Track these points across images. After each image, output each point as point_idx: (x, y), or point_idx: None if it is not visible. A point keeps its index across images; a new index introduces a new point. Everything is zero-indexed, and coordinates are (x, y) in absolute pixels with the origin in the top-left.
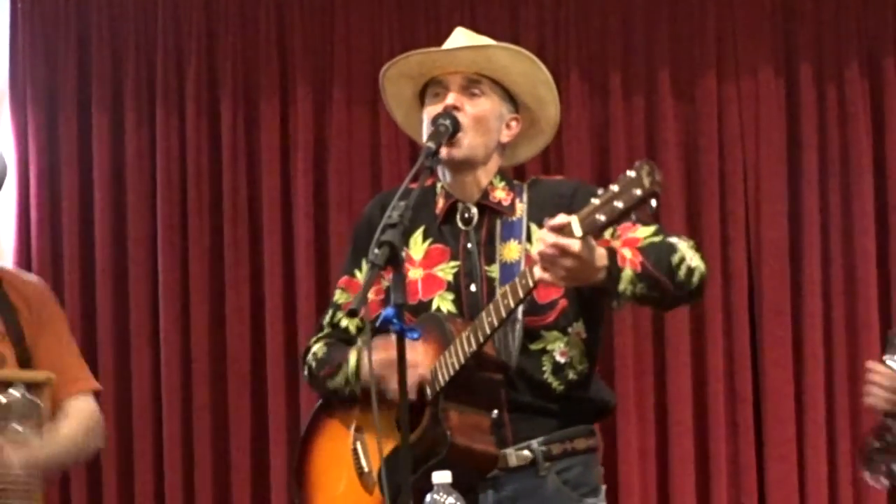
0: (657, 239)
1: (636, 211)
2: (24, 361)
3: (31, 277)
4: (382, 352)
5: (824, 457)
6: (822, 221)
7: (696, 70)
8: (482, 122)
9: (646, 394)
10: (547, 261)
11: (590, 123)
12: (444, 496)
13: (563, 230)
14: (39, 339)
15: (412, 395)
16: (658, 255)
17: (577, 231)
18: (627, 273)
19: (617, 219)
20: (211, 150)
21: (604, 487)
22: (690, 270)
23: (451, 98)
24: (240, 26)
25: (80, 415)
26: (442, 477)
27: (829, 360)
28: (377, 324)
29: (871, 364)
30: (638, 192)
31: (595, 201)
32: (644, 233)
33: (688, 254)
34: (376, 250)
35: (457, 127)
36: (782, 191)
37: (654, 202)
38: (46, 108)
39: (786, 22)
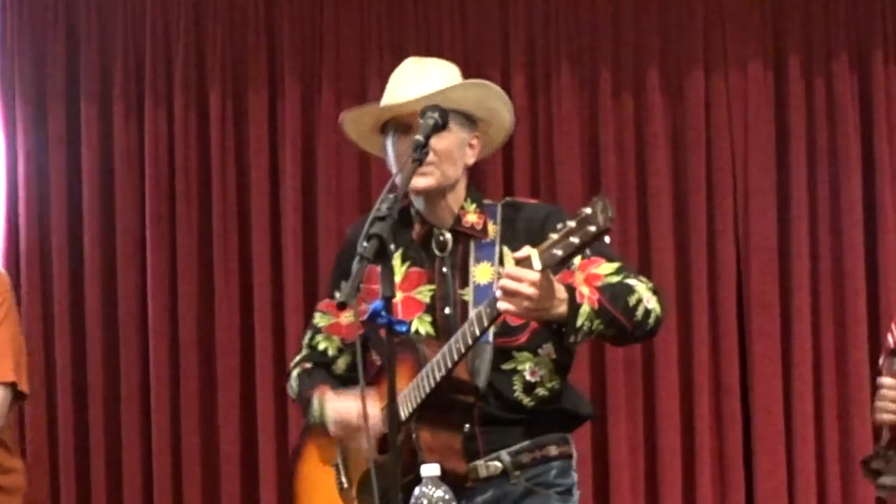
0: (617, 278)
1: (590, 247)
2: None
3: None
4: (339, 405)
5: (812, 450)
6: (811, 214)
7: (684, 64)
8: (449, 155)
9: (634, 387)
10: (508, 293)
11: (579, 118)
12: (433, 489)
13: (524, 262)
14: None
15: (375, 450)
16: (615, 294)
17: (537, 264)
18: (585, 309)
19: (573, 253)
20: (199, 142)
21: (578, 493)
22: (647, 312)
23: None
24: (228, 19)
25: None
26: (430, 470)
27: (817, 353)
28: (366, 317)
29: (883, 380)
30: (592, 228)
31: (553, 236)
32: (606, 269)
33: (645, 295)
34: (365, 243)
35: (446, 119)
36: (770, 184)
37: (607, 238)
38: (35, 101)
39: (774, 15)
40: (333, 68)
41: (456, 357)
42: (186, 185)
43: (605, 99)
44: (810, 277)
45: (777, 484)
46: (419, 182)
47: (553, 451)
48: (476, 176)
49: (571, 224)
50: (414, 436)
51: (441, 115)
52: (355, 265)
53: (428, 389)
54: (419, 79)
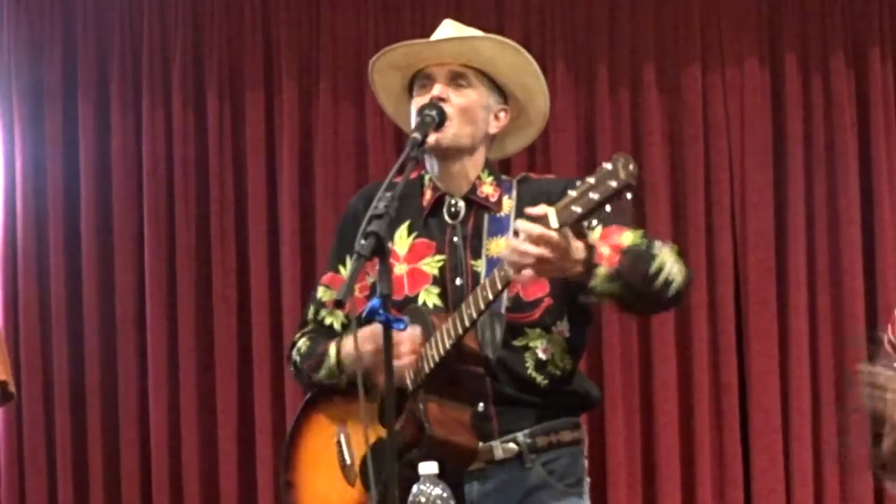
0: (640, 244)
1: (611, 203)
2: None
3: None
4: (369, 343)
5: (809, 447)
6: (808, 212)
7: (681, 61)
8: (468, 112)
9: (632, 384)
10: (522, 252)
11: (576, 115)
12: (431, 487)
13: (541, 221)
14: None
15: (398, 382)
16: (636, 259)
17: (554, 222)
18: (602, 270)
19: (592, 210)
20: (197, 141)
21: (588, 480)
22: (668, 281)
23: (437, 89)
24: (225, 18)
25: None
26: (428, 468)
27: (814, 350)
28: (364, 315)
29: (874, 369)
30: (613, 183)
31: (572, 193)
32: (629, 238)
33: (668, 262)
34: (362, 241)
35: (443, 117)
36: (768, 181)
37: (629, 194)
38: (32, 100)
39: (771, 12)
40: (330, 67)
41: (467, 323)
42: (184, 184)
43: (602, 97)
44: (808, 275)
45: (775, 480)
46: (433, 135)
47: (566, 436)
48: None
49: (591, 180)
50: (421, 406)
51: (439, 113)
52: (352, 263)
53: (437, 358)
54: (456, 31)
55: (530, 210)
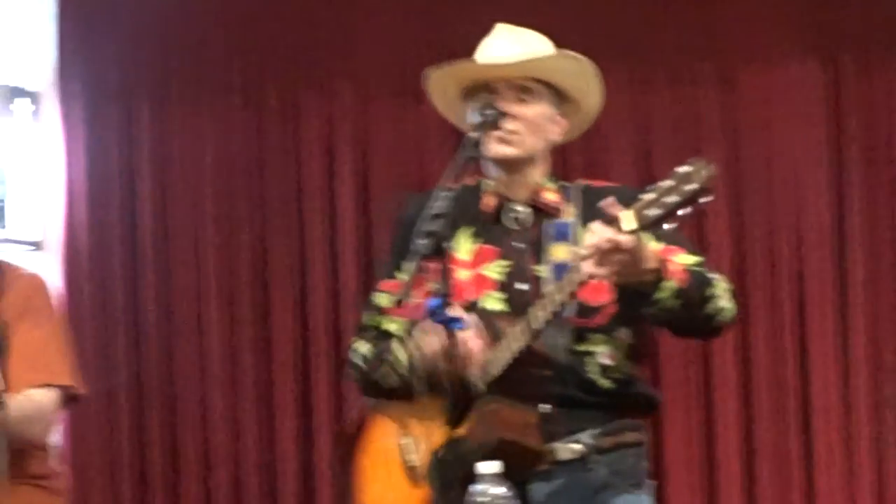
0: (700, 269)
1: (691, 205)
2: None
3: (28, 271)
4: (435, 342)
5: (870, 447)
6: (868, 210)
7: (738, 60)
8: (535, 126)
9: (691, 384)
10: (598, 255)
11: (632, 114)
12: (494, 486)
13: (614, 224)
14: (18, 326)
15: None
16: (698, 282)
17: (630, 225)
18: (671, 284)
19: (669, 213)
20: (255, 142)
21: (649, 483)
22: (718, 309)
23: (505, 106)
24: (283, 19)
25: (24, 404)
26: (490, 467)
27: (875, 350)
28: (424, 315)
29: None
30: (693, 186)
31: (648, 196)
32: (687, 260)
33: (721, 292)
34: (421, 241)
35: (501, 117)
36: (826, 179)
37: (708, 198)
38: (93, 101)
39: (827, 11)
40: (388, 65)
41: (540, 325)
42: (243, 183)
43: (660, 96)
44: (867, 274)
45: (836, 482)
46: (500, 149)
47: (630, 437)
48: None
49: (669, 183)
50: (490, 408)
51: (497, 113)
52: (412, 263)
53: (508, 360)
54: (514, 42)
55: (607, 202)
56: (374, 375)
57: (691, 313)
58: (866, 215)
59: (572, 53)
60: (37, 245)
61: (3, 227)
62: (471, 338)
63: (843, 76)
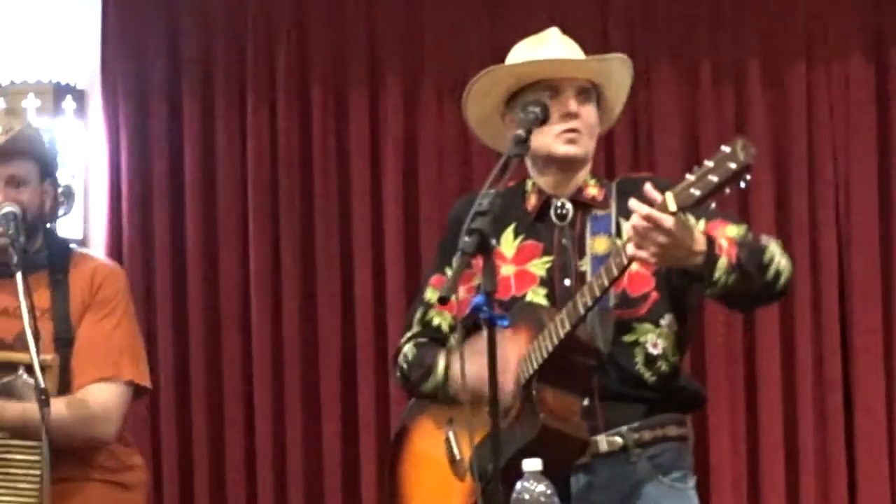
0: (749, 236)
1: (732, 184)
2: (65, 339)
3: (105, 262)
4: (476, 360)
5: None
6: None
7: (785, 57)
8: (594, 128)
9: (736, 380)
10: (640, 235)
11: (679, 112)
12: (535, 484)
13: (657, 206)
14: (85, 317)
15: (507, 399)
16: (751, 251)
17: (672, 206)
18: (723, 261)
19: (712, 192)
20: (301, 138)
21: (695, 477)
22: (778, 272)
23: (573, 106)
24: (329, 14)
25: (82, 399)
26: (532, 465)
27: None
28: (468, 311)
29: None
30: (733, 165)
31: (690, 177)
32: (734, 231)
33: (777, 254)
34: (466, 238)
35: (546, 113)
36: (872, 177)
37: (748, 176)
38: (137, 100)
39: (876, 7)
40: (435, 64)
41: (582, 311)
42: (288, 181)
43: (706, 93)
44: None
45: (879, 480)
46: (570, 149)
47: (672, 431)
48: None
49: (709, 163)
50: (535, 396)
51: (543, 109)
52: (456, 260)
53: (551, 347)
54: (569, 46)
55: (648, 188)
56: (416, 382)
57: (752, 283)
58: None
59: (626, 58)
60: (80, 243)
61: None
62: (512, 352)
63: (891, 71)
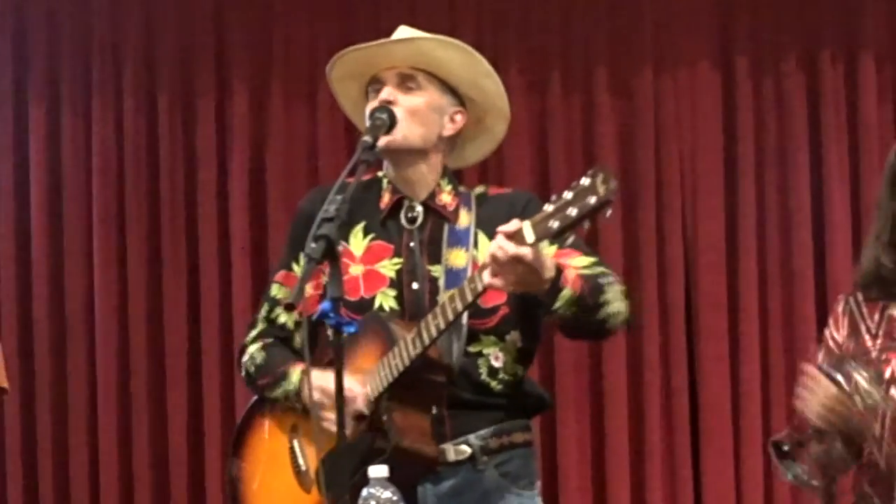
0: (597, 269)
1: (590, 219)
2: None
3: None
4: (323, 379)
5: (760, 449)
6: (759, 214)
7: (633, 64)
8: (417, 114)
9: (583, 386)
10: (498, 264)
11: (528, 119)
12: (381, 490)
13: (515, 236)
14: None
15: (348, 428)
16: (591, 289)
17: (530, 237)
18: (567, 292)
19: (570, 226)
20: (148, 144)
21: (539, 482)
22: (611, 314)
23: (386, 93)
24: (177, 20)
25: None
26: (378, 471)
27: (765, 353)
28: (315, 318)
29: (811, 369)
30: (592, 199)
31: (548, 208)
32: (582, 262)
33: (614, 296)
34: (313, 244)
35: (393, 120)
36: (719, 184)
37: (608, 211)
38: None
39: (722, 15)
40: (282, 70)
41: (434, 333)
42: (135, 187)
43: (554, 100)
44: (758, 277)
45: (725, 482)
46: (382, 139)
47: (518, 437)
48: None
49: (568, 195)
50: (385, 416)
51: (389, 116)
52: (304, 267)
53: (402, 367)
54: (410, 35)
55: (506, 227)
56: (264, 388)
57: (586, 318)
58: (757, 218)
59: (456, 41)
60: None
61: None
62: (359, 397)
63: (738, 80)
